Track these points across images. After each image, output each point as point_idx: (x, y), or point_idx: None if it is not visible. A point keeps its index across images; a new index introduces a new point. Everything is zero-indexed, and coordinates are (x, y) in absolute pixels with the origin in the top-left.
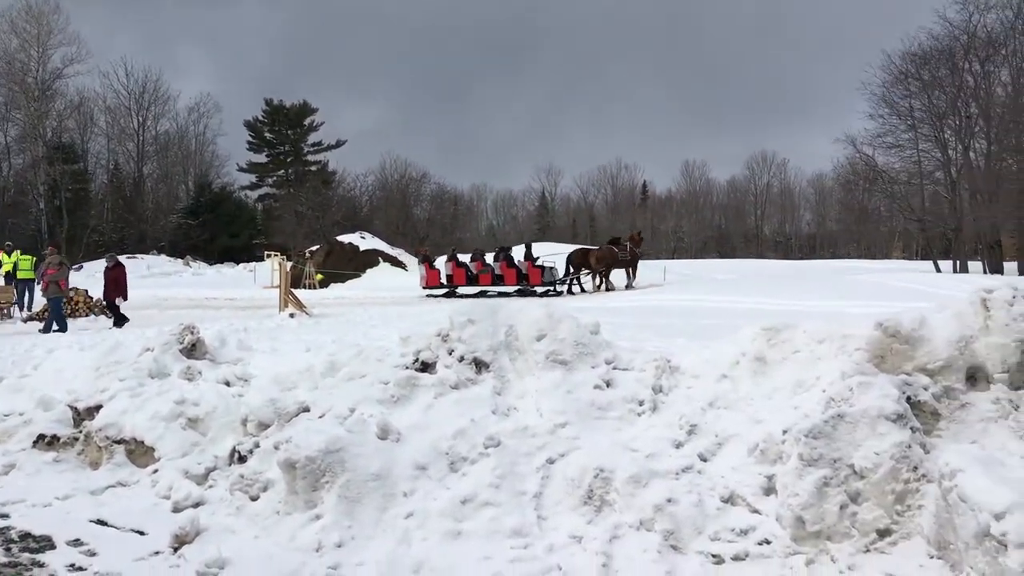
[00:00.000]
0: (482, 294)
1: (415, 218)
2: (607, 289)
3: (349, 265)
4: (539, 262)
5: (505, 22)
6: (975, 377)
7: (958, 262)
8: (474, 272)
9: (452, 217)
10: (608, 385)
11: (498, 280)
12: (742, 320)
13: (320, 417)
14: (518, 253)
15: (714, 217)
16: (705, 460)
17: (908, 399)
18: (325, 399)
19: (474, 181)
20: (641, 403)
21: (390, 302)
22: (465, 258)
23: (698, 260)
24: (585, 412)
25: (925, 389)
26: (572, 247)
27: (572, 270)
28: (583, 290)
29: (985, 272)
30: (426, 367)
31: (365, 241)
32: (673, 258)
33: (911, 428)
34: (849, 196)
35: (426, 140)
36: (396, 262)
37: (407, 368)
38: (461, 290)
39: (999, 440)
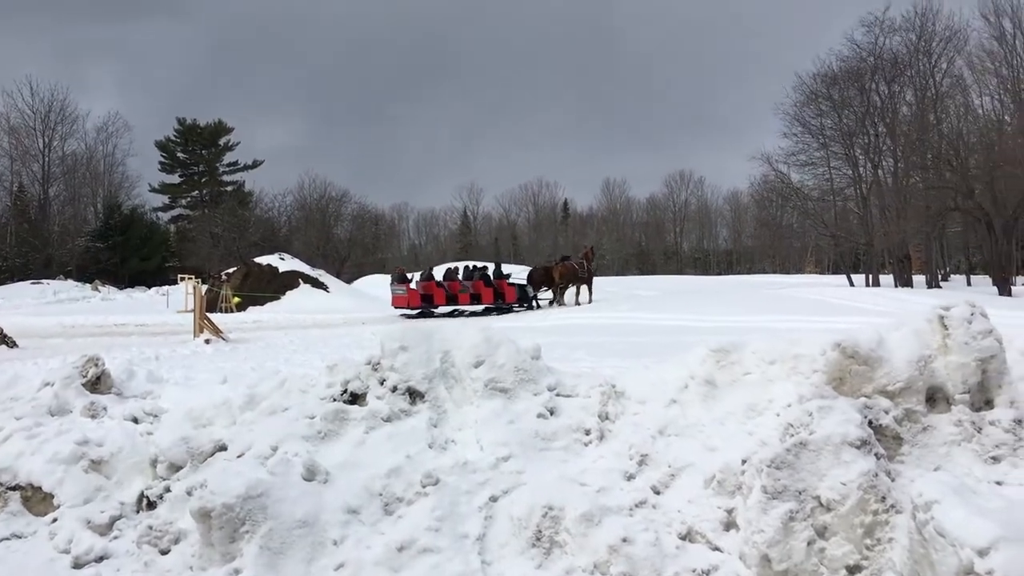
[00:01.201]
0: (457, 313)
1: (336, 238)
2: (561, 304)
3: (268, 287)
4: (511, 280)
5: (422, 40)
6: (934, 398)
7: (870, 276)
8: (452, 292)
9: (374, 237)
10: (552, 413)
11: (475, 299)
12: (670, 337)
13: (239, 456)
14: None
15: (634, 234)
16: (659, 493)
17: (870, 423)
18: (244, 436)
19: (395, 200)
20: (587, 432)
21: (312, 325)
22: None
23: (620, 277)
24: (528, 443)
25: (886, 412)
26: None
27: (536, 287)
28: (538, 306)
29: (896, 285)
30: (356, 399)
31: (284, 262)
32: (595, 275)
33: (875, 455)
34: (764, 213)
35: (346, 159)
36: (317, 283)
37: (335, 400)
38: (439, 309)
39: (964, 465)
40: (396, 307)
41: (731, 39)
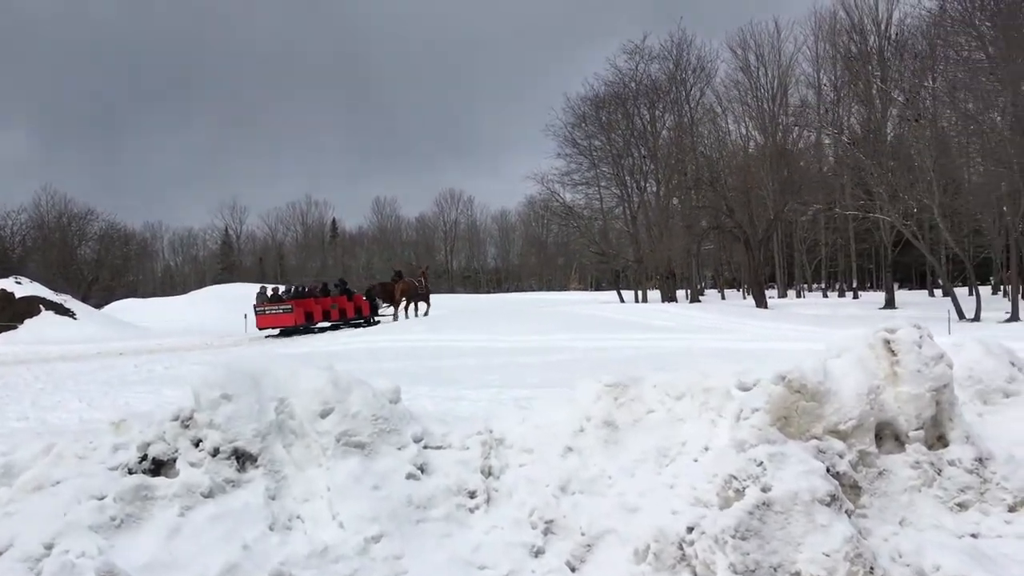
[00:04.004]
0: (308, 330)
1: (81, 259)
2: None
3: (2, 315)
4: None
5: (170, 50)
6: (882, 436)
7: (639, 292)
8: (325, 308)
9: (124, 258)
10: (423, 472)
11: (342, 314)
12: (476, 359)
13: None
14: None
15: (404, 253)
16: (575, 570)
17: (826, 471)
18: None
19: (148, 219)
20: (472, 494)
21: (58, 358)
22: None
23: None
24: (402, 515)
25: (840, 457)
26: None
27: (378, 302)
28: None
29: (663, 300)
30: (160, 467)
31: (21, 287)
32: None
33: (847, 512)
34: (531, 231)
35: (90, 174)
36: (62, 310)
37: (131, 472)
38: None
39: (930, 515)
40: (266, 327)
41: (501, 63)
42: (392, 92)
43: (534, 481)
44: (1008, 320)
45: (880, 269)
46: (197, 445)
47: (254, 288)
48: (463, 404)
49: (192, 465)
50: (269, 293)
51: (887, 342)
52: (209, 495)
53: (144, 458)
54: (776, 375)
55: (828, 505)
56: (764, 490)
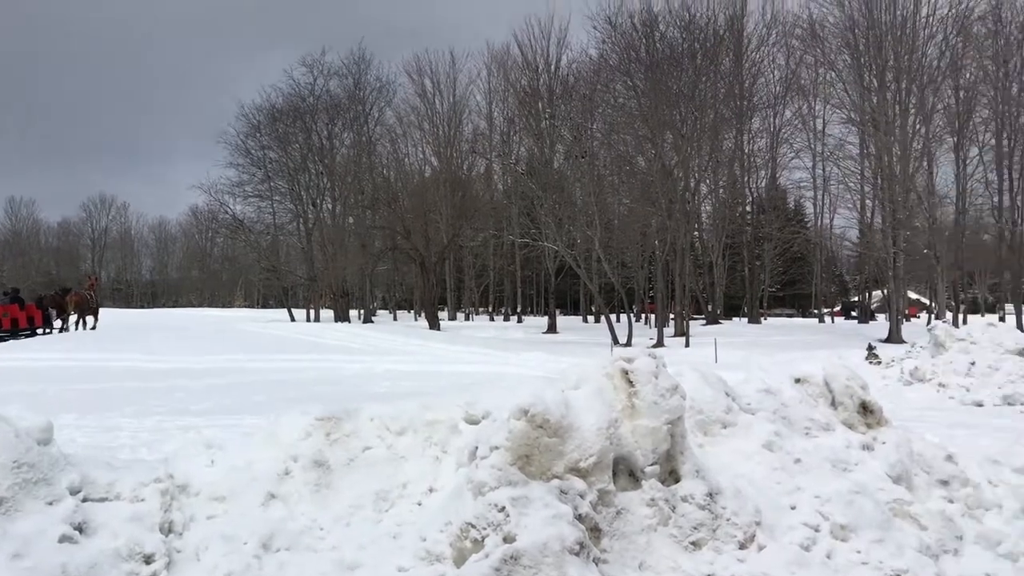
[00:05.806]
0: None
1: None
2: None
3: None
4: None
5: None
6: (617, 471)
7: (311, 311)
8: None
9: None
10: (82, 532)
11: (14, 323)
12: (131, 382)
13: None
14: None
15: (43, 260)
16: None
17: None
18: None
19: None
20: (149, 559)
21: None
22: None
23: None
24: None
25: (582, 497)
26: None
27: (51, 313)
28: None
29: (336, 320)
30: None
31: None
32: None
33: (595, 560)
34: (193, 243)
35: None
36: None
37: None
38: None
39: (668, 556)
40: None
41: (168, 62)
42: (35, 83)
43: (229, 538)
44: (655, 345)
45: (542, 295)
46: None
47: None
48: (122, 436)
49: None
50: None
51: (625, 372)
52: None
53: None
54: (518, 408)
55: (577, 555)
56: (508, 540)
